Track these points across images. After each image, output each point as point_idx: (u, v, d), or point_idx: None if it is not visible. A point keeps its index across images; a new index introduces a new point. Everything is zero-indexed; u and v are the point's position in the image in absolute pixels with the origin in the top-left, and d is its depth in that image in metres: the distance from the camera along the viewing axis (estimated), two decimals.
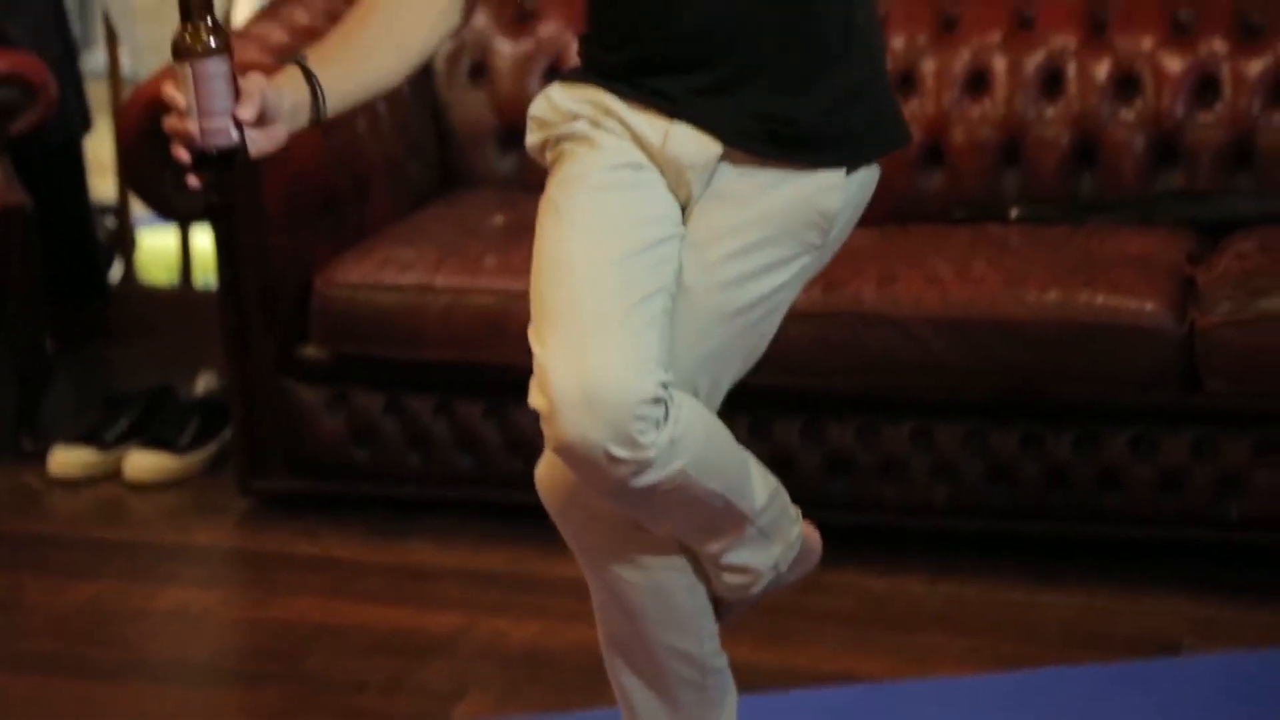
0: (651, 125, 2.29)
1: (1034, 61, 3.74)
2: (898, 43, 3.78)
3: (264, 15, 3.89)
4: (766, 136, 2.28)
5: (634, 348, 2.20)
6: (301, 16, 3.84)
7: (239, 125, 2.17)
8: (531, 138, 2.38)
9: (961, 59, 3.77)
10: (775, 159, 2.29)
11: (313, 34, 3.77)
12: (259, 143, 2.21)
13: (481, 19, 3.98)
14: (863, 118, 2.32)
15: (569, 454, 2.20)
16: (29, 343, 4.04)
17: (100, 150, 4.95)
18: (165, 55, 4.18)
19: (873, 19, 2.36)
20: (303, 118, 2.26)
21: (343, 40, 2.36)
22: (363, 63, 2.34)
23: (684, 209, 2.32)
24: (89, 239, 4.61)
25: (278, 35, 3.74)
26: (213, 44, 2.15)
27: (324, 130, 3.53)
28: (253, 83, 2.20)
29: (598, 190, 2.28)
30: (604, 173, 2.28)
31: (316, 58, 2.31)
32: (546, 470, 2.37)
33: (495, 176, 3.98)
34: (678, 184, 2.30)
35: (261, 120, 2.21)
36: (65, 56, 4.34)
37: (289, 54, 3.64)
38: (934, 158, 3.77)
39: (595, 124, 2.31)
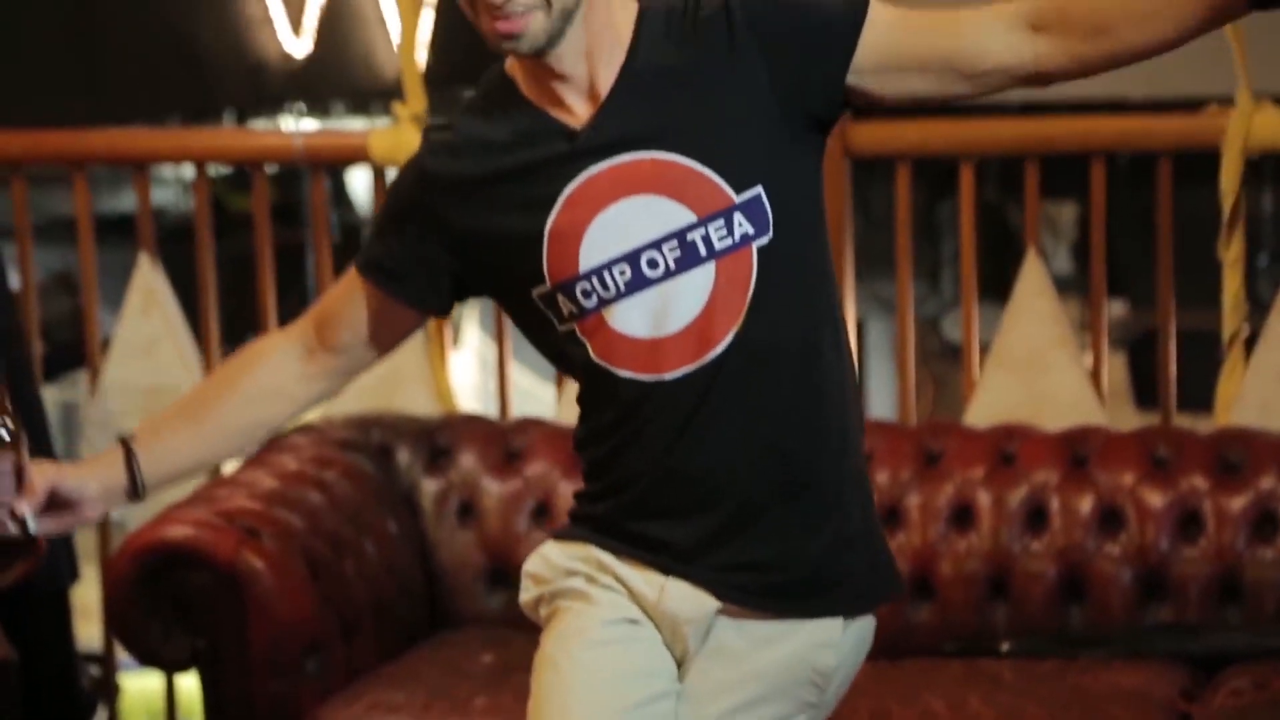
0: (647, 581, 2.30)
1: (1017, 496, 3.76)
2: (882, 478, 3.81)
3: (253, 462, 3.92)
4: (762, 590, 2.29)
5: None
6: (290, 463, 3.87)
7: (20, 517, 2.25)
8: (526, 595, 2.39)
9: (945, 494, 3.79)
10: (771, 612, 2.29)
11: (301, 479, 3.80)
12: (63, 524, 2.31)
13: (469, 459, 4.02)
14: (859, 565, 2.34)
15: None
16: None
17: (86, 596, 4.92)
18: (157, 501, 4.15)
19: (865, 468, 2.39)
20: (118, 499, 2.35)
21: (183, 416, 2.42)
22: (196, 443, 2.41)
23: (680, 664, 2.31)
24: (73, 689, 4.55)
25: (266, 482, 3.77)
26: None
27: (313, 573, 3.56)
28: (42, 475, 2.29)
29: (595, 646, 2.27)
30: (601, 628, 2.28)
31: (149, 430, 2.39)
32: None
33: (484, 616, 3.96)
34: (674, 639, 2.30)
35: (60, 507, 2.31)
36: None
37: (278, 500, 3.69)
38: (923, 591, 3.76)
39: (591, 580, 2.31)
